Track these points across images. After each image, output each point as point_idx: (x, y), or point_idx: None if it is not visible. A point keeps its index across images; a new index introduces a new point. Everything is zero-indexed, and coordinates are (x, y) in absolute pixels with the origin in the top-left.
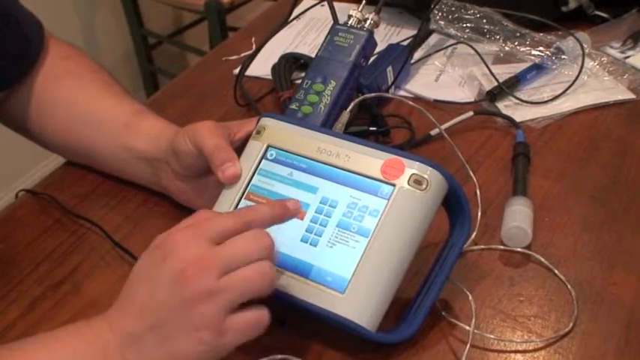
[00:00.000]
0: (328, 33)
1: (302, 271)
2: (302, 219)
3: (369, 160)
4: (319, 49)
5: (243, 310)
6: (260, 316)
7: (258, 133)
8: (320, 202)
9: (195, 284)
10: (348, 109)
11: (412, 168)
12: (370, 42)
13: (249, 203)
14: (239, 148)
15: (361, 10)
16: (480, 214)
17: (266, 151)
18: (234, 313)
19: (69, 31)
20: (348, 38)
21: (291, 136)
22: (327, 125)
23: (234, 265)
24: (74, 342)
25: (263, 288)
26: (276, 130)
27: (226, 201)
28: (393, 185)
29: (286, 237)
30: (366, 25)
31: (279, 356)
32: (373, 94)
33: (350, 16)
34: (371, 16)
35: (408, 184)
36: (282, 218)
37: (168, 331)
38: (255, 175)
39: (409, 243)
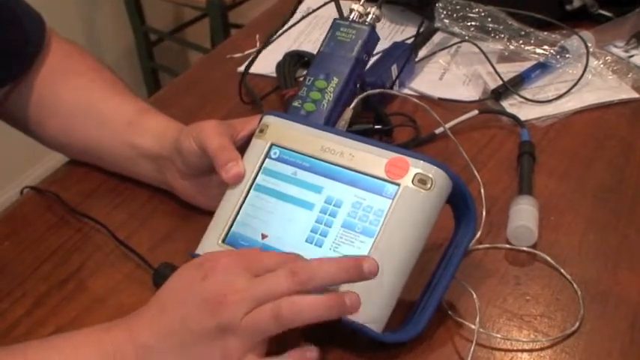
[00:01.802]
0: (330, 28)
1: None
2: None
3: (374, 159)
4: (321, 45)
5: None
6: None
7: (262, 131)
8: (325, 202)
9: (230, 313)
10: (351, 106)
11: (417, 167)
12: (372, 37)
13: (253, 202)
14: (243, 146)
15: (362, 3)
16: (484, 212)
17: (269, 149)
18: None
19: (70, 28)
20: (350, 33)
21: (294, 135)
22: (330, 122)
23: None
24: (91, 351)
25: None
26: (279, 128)
27: (230, 200)
28: (398, 185)
29: (291, 238)
30: (368, 20)
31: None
32: (376, 90)
33: (352, 10)
34: (373, 10)
35: (413, 183)
36: (350, 280)
37: (191, 355)
38: (260, 174)
39: (414, 243)
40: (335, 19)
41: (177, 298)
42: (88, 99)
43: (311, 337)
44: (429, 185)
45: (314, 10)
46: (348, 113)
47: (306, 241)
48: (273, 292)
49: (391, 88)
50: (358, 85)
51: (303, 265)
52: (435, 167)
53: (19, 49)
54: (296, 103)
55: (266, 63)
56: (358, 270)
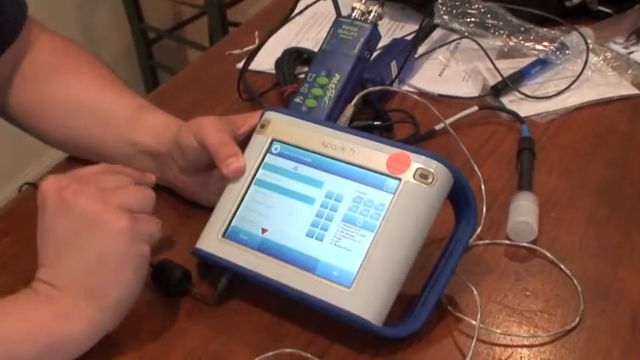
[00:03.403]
0: (332, 26)
1: (308, 265)
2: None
3: (375, 154)
4: (323, 42)
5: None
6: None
7: (263, 127)
8: (325, 197)
9: (83, 199)
10: (352, 103)
11: (418, 162)
12: (374, 34)
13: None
14: (243, 142)
15: (364, 2)
16: (484, 208)
17: (270, 145)
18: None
19: (68, 26)
20: (352, 31)
21: (295, 130)
22: (331, 118)
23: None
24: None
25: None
26: (280, 124)
27: (231, 194)
28: (399, 179)
29: (292, 231)
30: (370, 18)
31: (288, 350)
32: (378, 88)
33: (354, 9)
34: (375, 8)
35: (414, 178)
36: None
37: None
38: (260, 169)
39: (415, 237)
40: (337, 17)
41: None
42: (87, 96)
43: (314, 333)
44: (430, 180)
45: (308, 7)
46: (349, 110)
47: (307, 235)
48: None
49: (391, 84)
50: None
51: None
52: (437, 162)
53: None
54: (297, 99)
55: (265, 60)
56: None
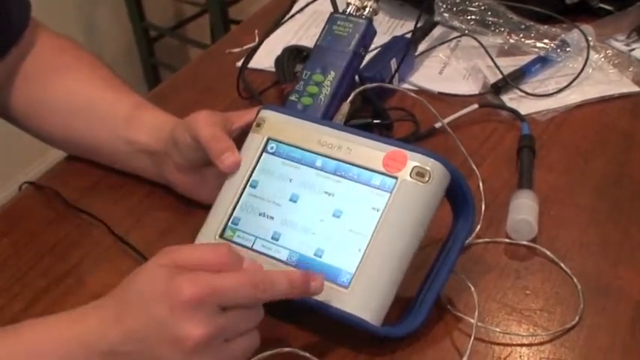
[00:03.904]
0: (327, 22)
1: (306, 266)
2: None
3: (371, 152)
4: (318, 39)
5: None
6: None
7: (258, 125)
8: (322, 197)
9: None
10: (348, 100)
11: (414, 160)
12: (369, 30)
13: (252, 197)
14: (238, 138)
15: None
16: (483, 207)
17: (266, 144)
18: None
19: (70, 25)
20: (347, 27)
21: (291, 129)
22: (327, 116)
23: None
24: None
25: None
26: (276, 122)
27: (227, 194)
28: (395, 178)
29: (288, 232)
30: (365, 13)
31: (286, 349)
32: (374, 84)
33: (348, 4)
34: (370, 3)
35: (411, 176)
36: (300, 296)
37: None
38: (256, 168)
39: (412, 236)
40: (332, 13)
41: (144, 327)
42: (84, 95)
43: (313, 333)
44: (426, 178)
45: (307, 4)
46: (345, 107)
47: (304, 235)
48: (235, 329)
49: (390, 82)
50: (357, 80)
51: (263, 289)
52: (433, 160)
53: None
54: (293, 97)
55: (265, 58)
56: (305, 286)
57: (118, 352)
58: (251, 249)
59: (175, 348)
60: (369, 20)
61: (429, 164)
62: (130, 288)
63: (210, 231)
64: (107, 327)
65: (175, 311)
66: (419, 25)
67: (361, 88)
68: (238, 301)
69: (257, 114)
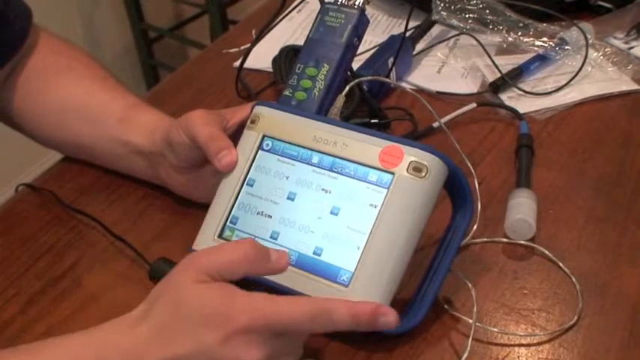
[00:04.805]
0: (318, 13)
1: (305, 265)
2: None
3: (367, 148)
4: (310, 31)
5: None
6: None
7: (253, 122)
8: (319, 194)
9: None
10: (342, 93)
11: (411, 155)
12: (362, 20)
13: (248, 195)
14: (234, 134)
15: None
16: (479, 207)
17: (262, 141)
18: None
19: (69, 26)
20: (339, 18)
21: (286, 126)
22: (322, 110)
23: None
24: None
25: None
26: (271, 119)
27: (224, 194)
28: (392, 173)
29: (286, 230)
30: (357, 3)
31: None
32: (368, 77)
33: None
34: None
35: (407, 171)
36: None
37: None
38: (252, 167)
39: (411, 232)
40: (323, 3)
41: (191, 353)
42: (79, 96)
43: None
44: (424, 173)
45: (300, 2)
46: (340, 100)
47: (302, 233)
48: (284, 352)
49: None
50: (351, 75)
51: (322, 323)
52: (430, 154)
53: (2, 37)
54: (287, 92)
55: (262, 58)
56: (372, 322)
57: None
58: None
59: None
60: (362, 10)
61: (426, 159)
62: (171, 309)
63: (209, 231)
64: (146, 352)
65: (229, 339)
66: (417, 23)
67: (356, 80)
68: (293, 331)
69: (251, 110)
